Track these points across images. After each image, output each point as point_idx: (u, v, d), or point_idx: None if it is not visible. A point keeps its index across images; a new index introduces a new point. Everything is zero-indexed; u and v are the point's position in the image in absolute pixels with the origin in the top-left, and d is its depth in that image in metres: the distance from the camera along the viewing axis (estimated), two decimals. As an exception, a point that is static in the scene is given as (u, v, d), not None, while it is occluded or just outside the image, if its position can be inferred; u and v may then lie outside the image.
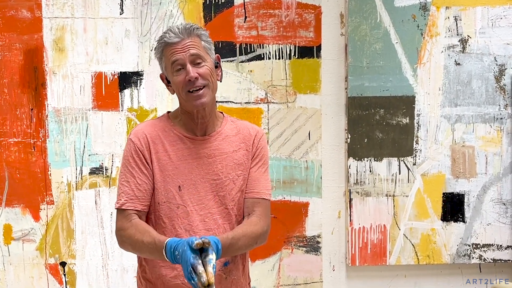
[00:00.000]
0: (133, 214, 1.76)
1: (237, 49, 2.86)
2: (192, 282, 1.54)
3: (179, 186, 1.78)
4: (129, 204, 1.76)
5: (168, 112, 1.90)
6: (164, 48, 1.76)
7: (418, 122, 2.90)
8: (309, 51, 2.89)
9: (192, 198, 1.78)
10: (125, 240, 1.75)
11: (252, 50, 2.87)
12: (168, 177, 1.77)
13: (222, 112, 1.90)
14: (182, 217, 1.77)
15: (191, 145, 1.80)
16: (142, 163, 1.78)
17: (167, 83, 1.82)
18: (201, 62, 1.74)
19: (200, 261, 1.54)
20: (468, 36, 2.88)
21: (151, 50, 2.83)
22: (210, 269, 1.53)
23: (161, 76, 1.85)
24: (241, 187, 1.84)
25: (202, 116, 1.79)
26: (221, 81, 1.83)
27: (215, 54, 1.82)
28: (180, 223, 1.77)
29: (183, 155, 1.79)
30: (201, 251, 1.56)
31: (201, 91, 1.73)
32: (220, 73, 1.83)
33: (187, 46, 1.73)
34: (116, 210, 1.80)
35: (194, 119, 1.79)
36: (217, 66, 1.81)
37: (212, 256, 1.56)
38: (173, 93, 1.82)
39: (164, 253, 1.63)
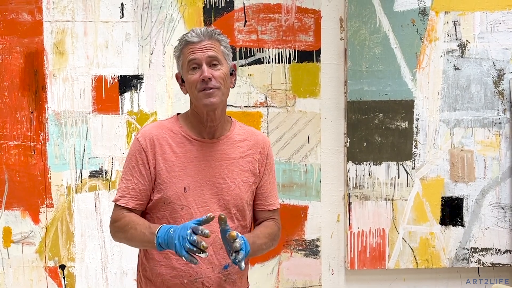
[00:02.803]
0: (126, 209, 1.80)
1: (237, 53, 2.87)
2: (187, 245, 1.55)
3: (184, 187, 1.78)
4: (123, 201, 1.80)
5: (178, 113, 1.91)
6: (184, 47, 1.79)
7: (417, 126, 2.91)
8: (308, 55, 2.90)
9: (197, 200, 1.79)
10: (117, 230, 1.79)
11: (252, 54, 2.88)
12: (175, 178, 1.78)
13: (230, 117, 1.92)
14: (185, 218, 1.77)
15: (199, 148, 1.81)
16: (143, 164, 1.79)
17: (181, 82, 1.84)
18: (217, 64, 1.77)
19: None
20: (467, 41, 2.89)
21: (151, 53, 2.84)
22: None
23: (176, 76, 1.87)
24: (245, 193, 1.86)
25: (212, 119, 1.80)
26: (233, 87, 1.87)
27: (232, 63, 1.85)
28: None
29: (190, 157, 1.80)
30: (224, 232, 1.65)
31: (212, 91, 1.75)
32: (234, 81, 1.86)
33: (206, 47, 1.76)
34: (113, 203, 1.85)
35: (203, 122, 1.81)
36: (232, 73, 1.85)
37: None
38: (186, 93, 1.84)
39: (155, 234, 1.65)
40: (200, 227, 1.57)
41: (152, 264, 1.82)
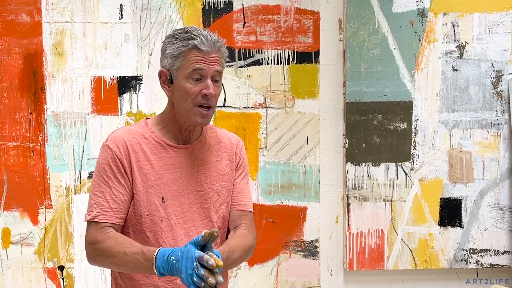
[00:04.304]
0: (108, 227, 1.62)
1: (236, 54, 2.87)
2: (195, 279, 1.41)
3: (162, 197, 1.65)
4: (103, 217, 1.62)
5: (147, 118, 1.78)
6: (188, 50, 1.62)
7: (416, 127, 2.91)
8: (307, 57, 2.90)
9: (176, 211, 1.67)
10: (100, 253, 1.60)
11: (251, 55, 2.88)
12: (151, 187, 1.65)
13: None
14: (166, 230, 1.65)
15: (174, 154, 1.69)
16: (120, 173, 1.64)
17: (169, 82, 1.67)
18: (218, 81, 1.66)
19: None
20: (466, 42, 2.90)
21: (150, 55, 2.84)
22: (216, 257, 1.43)
23: (163, 72, 1.69)
24: (225, 199, 1.76)
25: (190, 130, 1.72)
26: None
27: None
28: (164, 237, 1.65)
29: (166, 164, 1.67)
30: (202, 250, 1.48)
31: (209, 111, 1.64)
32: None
33: (214, 60, 1.63)
34: (87, 222, 1.65)
35: (181, 130, 1.71)
36: None
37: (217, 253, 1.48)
38: (169, 94, 1.69)
39: (153, 262, 1.50)
40: (205, 257, 1.41)
41: (131, 285, 1.68)
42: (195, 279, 1.41)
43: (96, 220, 1.62)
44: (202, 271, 1.41)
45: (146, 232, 1.66)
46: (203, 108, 1.64)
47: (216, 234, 1.44)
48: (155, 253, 1.50)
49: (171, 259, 1.46)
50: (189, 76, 1.62)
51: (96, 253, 1.61)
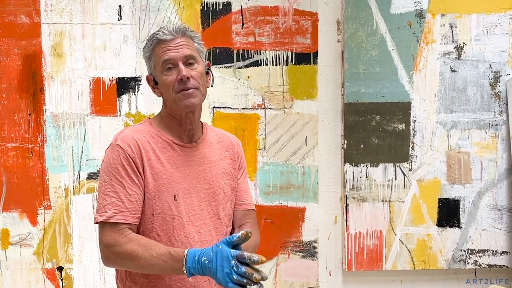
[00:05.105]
0: (126, 228, 1.59)
1: (235, 55, 2.88)
2: (235, 277, 1.42)
3: (174, 195, 1.66)
4: (119, 217, 1.59)
5: (149, 117, 1.79)
6: (155, 46, 1.67)
7: (414, 128, 2.92)
8: (306, 58, 2.91)
9: (187, 209, 1.67)
10: (122, 256, 1.57)
11: (250, 56, 2.89)
12: (163, 186, 1.65)
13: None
14: (178, 228, 1.66)
15: (181, 152, 1.70)
16: (134, 172, 1.62)
17: (154, 84, 1.72)
18: (193, 63, 1.67)
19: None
20: (464, 43, 2.90)
21: (149, 56, 2.84)
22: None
23: (147, 78, 1.74)
24: (230, 197, 1.79)
25: (191, 122, 1.72)
26: (212, 86, 1.77)
27: (206, 61, 1.76)
28: (176, 235, 1.66)
29: (175, 162, 1.69)
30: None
31: (191, 91, 1.65)
32: (209, 80, 1.76)
33: (180, 45, 1.65)
34: (99, 223, 1.61)
35: (182, 124, 1.72)
36: (207, 72, 1.75)
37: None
38: (159, 96, 1.72)
39: (183, 263, 1.49)
40: (247, 254, 1.42)
41: (141, 284, 1.67)
42: (234, 277, 1.42)
43: (111, 220, 1.59)
44: (244, 269, 1.42)
45: (158, 230, 1.65)
46: (185, 91, 1.65)
47: (250, 235, 1.47)
48: (185, 254, 1.50)
49: (202, 260, 1.47)
50: (162, 69, 1.66)
51: (117, 256, 1.58)
